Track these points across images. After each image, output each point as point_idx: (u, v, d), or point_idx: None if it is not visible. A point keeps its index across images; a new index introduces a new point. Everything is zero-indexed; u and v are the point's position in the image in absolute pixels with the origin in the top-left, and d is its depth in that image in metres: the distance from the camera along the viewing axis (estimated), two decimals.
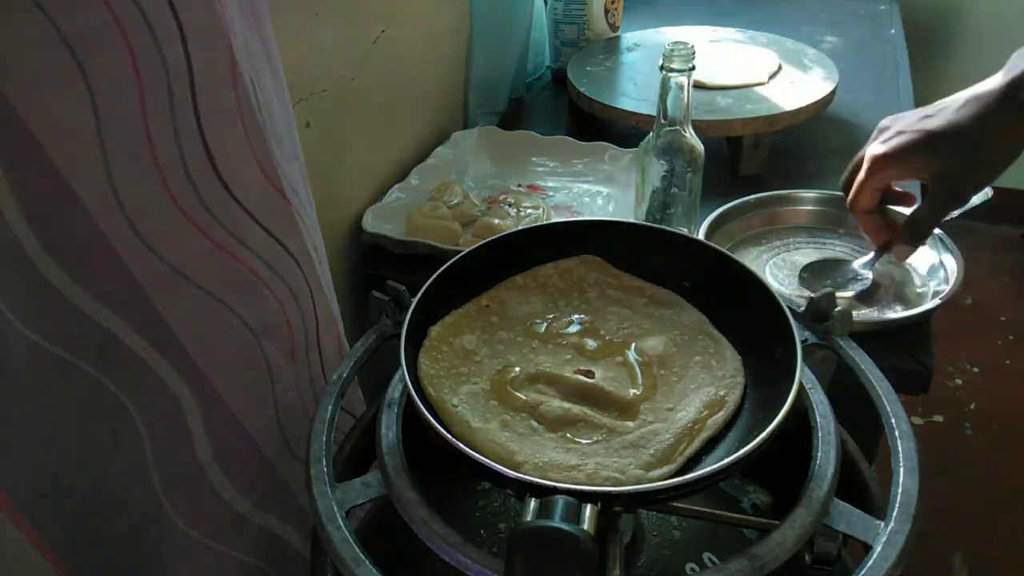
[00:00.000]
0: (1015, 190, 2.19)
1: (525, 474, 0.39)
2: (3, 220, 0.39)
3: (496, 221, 0.85)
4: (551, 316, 0.52)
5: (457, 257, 0.51)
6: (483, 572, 0.39)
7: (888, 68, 1.32)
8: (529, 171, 1.02)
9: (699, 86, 1.03)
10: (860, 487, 0.49)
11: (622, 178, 0.95)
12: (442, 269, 0.50)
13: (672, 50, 0.68)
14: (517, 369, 0.48)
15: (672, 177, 0.77)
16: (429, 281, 0.49)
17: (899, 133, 0.64)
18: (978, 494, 1.49)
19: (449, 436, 0.40)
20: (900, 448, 0.45)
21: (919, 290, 0.76)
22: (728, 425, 0.45)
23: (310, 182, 0.60)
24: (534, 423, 0.45)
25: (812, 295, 0.52)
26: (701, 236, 0.77)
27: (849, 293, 0.74)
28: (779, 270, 0.80)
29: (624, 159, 0.98)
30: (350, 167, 0.88)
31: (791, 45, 1.18)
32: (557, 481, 0.38)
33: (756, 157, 1.00)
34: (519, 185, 0.99)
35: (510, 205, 0.89)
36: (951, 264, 0.75)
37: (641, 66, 1.16)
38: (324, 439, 0.47)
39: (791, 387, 0.41)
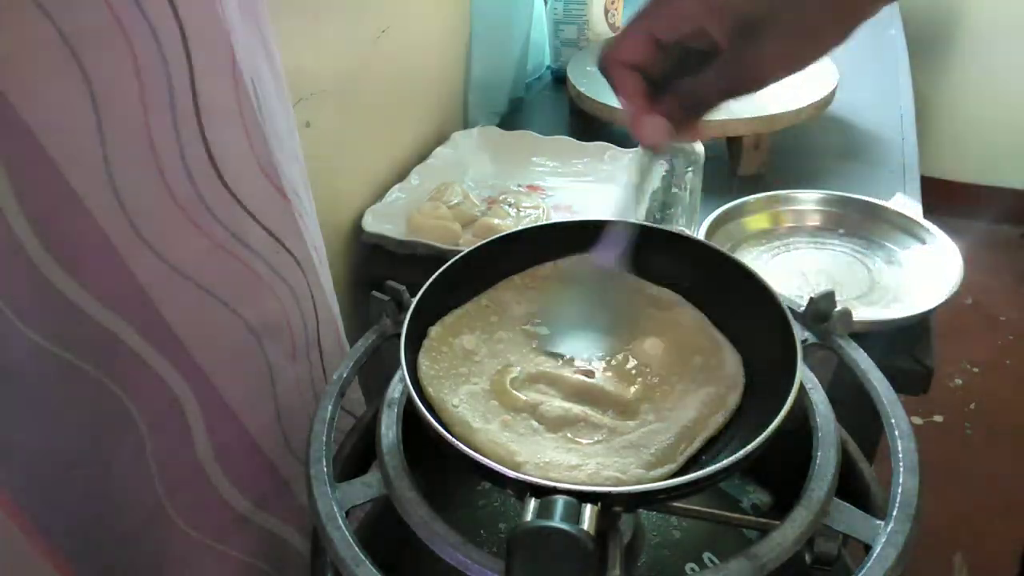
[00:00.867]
0: (1015, 190, 2.19)
1: (526, 474, 0.39)
2: (3, 220, 0.39)
3: (496, 221, 0.85)
4: (549, 317, 0.52)
5: (457, 257, 0.51)
6: (483, 572, 0.39)
7: (888, 68, 1.32)
8: (529, 171, 1.02)
9: None
10: (860, 487, 0.49)
11: (622, 178, 0.95)
12: (442, 269, 0.50)
13: None
14: (517, 369, 0.48)
15: (672, 177, 0.77)
16: (429, 281, 0.49)
17: None
18: (978, 494, 1.49)
19: (449, 436, 0.40)
20: (900, 448, 0.45)
21: (919, 290, 0.76)
22: (728, 425, 0.45)
23: (310, 182, 0.60)
24: (535, 423, 0.45)
25: (812, 295, 0.52)
26: (701, 236, 0.77)
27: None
28: (779, 270, 0.80)
29: (624, 159, 0.98)
30: (350, 167, 0.88)
31: None
32: (558, 481, 0.38)
33: (756, 157, 1.00)
34: (519, 185, 0.99)
35: (510, 205, 0.89)
36: (951, 264, 0.75)
37: None
38: (324, 439, 0.47)
39: (791, 387, 0.41)
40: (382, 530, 0.50)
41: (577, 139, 1.04)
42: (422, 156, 1.00)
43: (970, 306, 1.89)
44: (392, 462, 0.44)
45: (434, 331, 0.49)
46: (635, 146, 0.81)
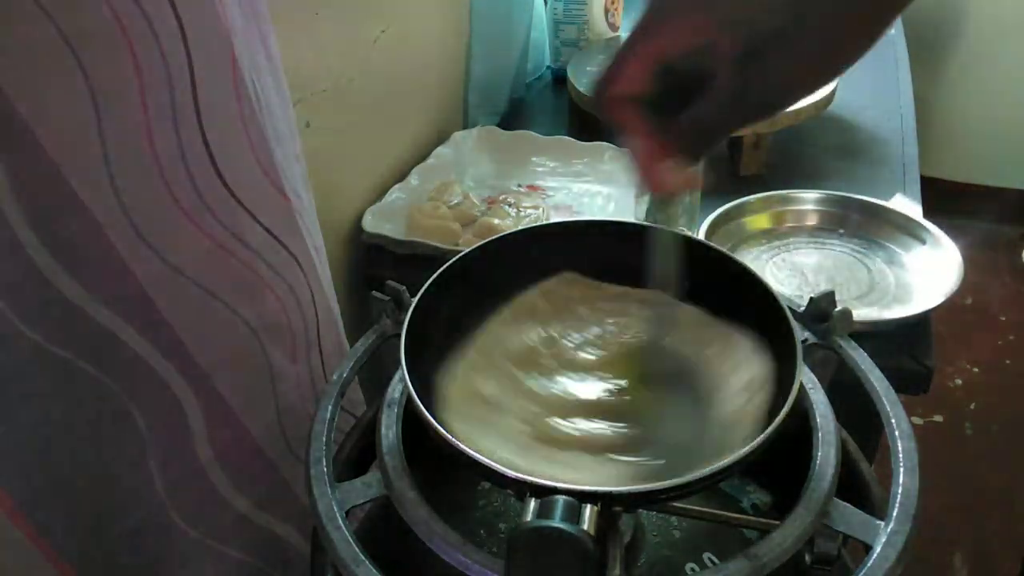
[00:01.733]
0: (1015, 190, 2.19)
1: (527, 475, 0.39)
2: (4, 220, 0.39)
3: (496, 221, 0.85)
4: (553, 344, 0.51)
5: (457, 257, 0.51)
6: (483, 572, 0.39)
7: (888, 68, 1.32)
8: (529, 171, 1.02)
9: None
10: (860, 487, 0.49)
11: (622, 178, 0.95)
12: (442, 269, 0.50)
13: None
14: (555, 420, 0.46)
15: None
16: (429, 281, 0.49)
17: None
18: (978, 494, 1.49)
19: (449, 436, 0.40)
20: (900, 448, 0.45)
21: (919, 290, 0.76)
22: None
23: (310, 182, 0.60)
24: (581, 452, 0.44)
25: (813, 295, 0.52)
26: (701, 236, 0.77)
27: None
28: (779, 270, 0.80)
29: (624, 159, 0.98)
30: (350, 167, 0.88)
31: None
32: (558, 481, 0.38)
33: (756, 157, 1.00)
34: (519, 185, 0.99)
35: (510, 205, 0.89)
36: (951, 264, 0.75)
37: None
38: (324, 439, 0.47)
39: (791, 387, 0.41)
40: (382, 530, 0.50)
41: (577, 139, 1.04)
42: (422, 156, 1.00)
43: (970, 306, 1.89)
44: (392, 462, 0.44)
45: (453, 388, 0.47)
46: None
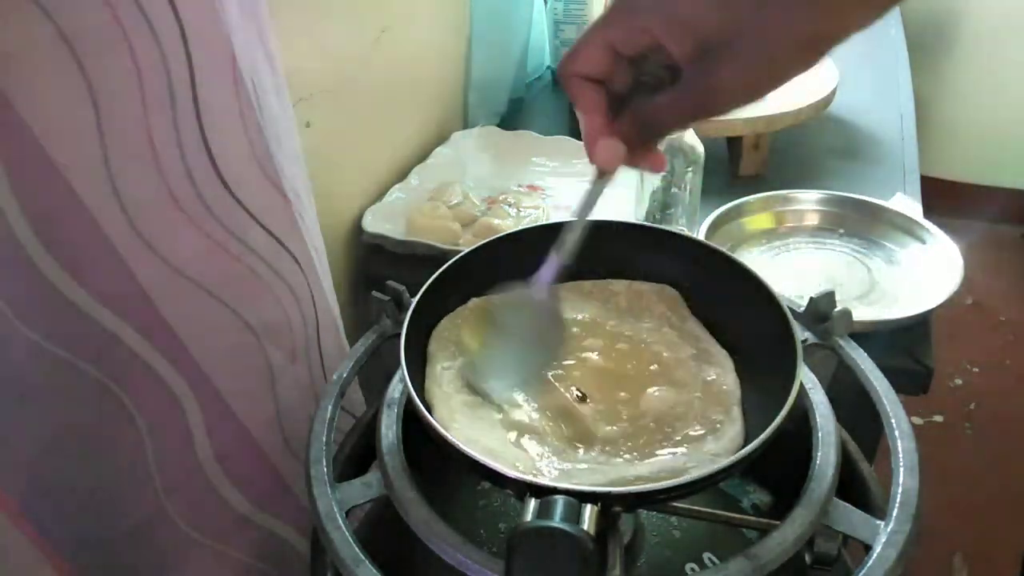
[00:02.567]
0: (1015, 190, 2.19)
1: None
2: (4, 220, 0.39)
3: (496, 221, 0.85)
4: (592, 330, 0.51)
5: (457, 257, 0.51)
6: (483, 572, 0.39)
7: (888, 68, 1.32)
8: (529, 171, 1.02)
9: None
10: (860, 487, 0.49)
11: (622, 178, 0.95)
12: (442, 269, 0.50)
13: None
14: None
15: (672, 177, 0.77)
16: (429, 281, 0.49)
17: None
18: (978, 494, 1.49)
19: (449, 436, 0.40)
20: (900, 448, 0.45)
21: (919, 290, 0.76)
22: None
23: (310, 182, 0.60)
24: (495, 414, 0.45)
25: (813, 295, 0.52)
26: (701, 236, 0.77)
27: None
28: (779, 270, 0.80)
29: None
30: (350, 167, 0.88)
31: None
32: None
33: (756, 157, 1.00)
34: (519, 185, 0.99)
35: (510, 205, 0.89)
36: (951, 264, 0.75)
37: None
38: (324, 439, 0.47)
39: (791, 387, 0.41)
40: (382, 530, 0.50)
41: (577, 139, 1.04)
42: (422, 156, 1.00)
43: (970, 306, 1.89)
44: (392, 462, 0.44)
45: (474, 301, 0.50)
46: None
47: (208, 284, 0.50)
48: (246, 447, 0.58)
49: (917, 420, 1.63)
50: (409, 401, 0.46)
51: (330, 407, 0.50)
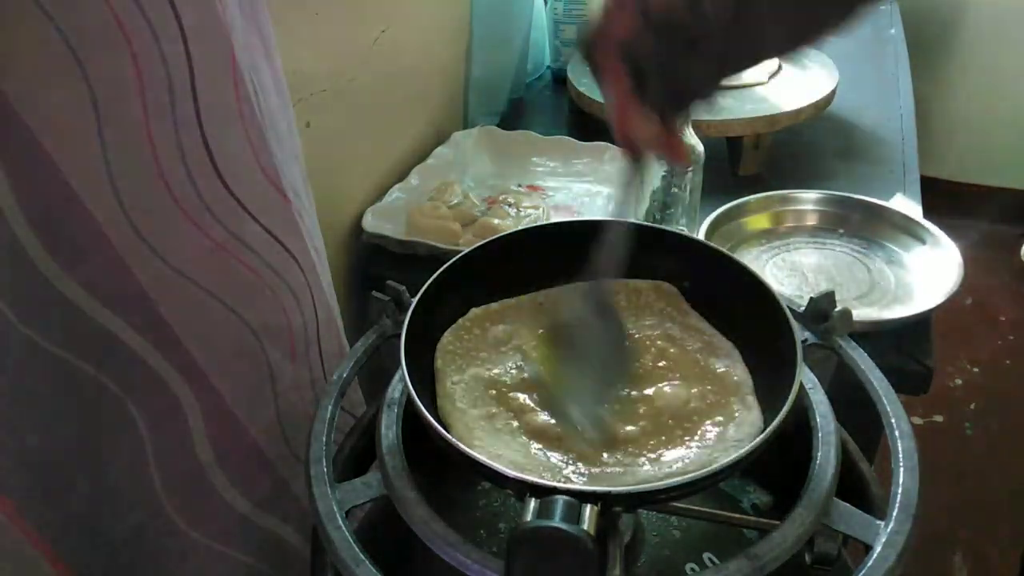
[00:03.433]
0: (1015, 190, 2.19)
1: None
2: (3, 220, 0.39)
3: (496, 221, 0.85)
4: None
5: (457, 257, 0.51)
6: (483, 572, 0.39)
7: (888, 68, 1.32)
8: (529, 171, 1.02)
9: None
10: (860, 487, 0.49)
11: (622, 179, 0.95)
12: (442, 269, 0.50)
13: None
14: (528, 369, 0.48)
15: (672, 177, 0.77)
16: (429, 281, 0.49)
17: None
18: (978, 494, 1.49)
19: (449, 436, 0.40)
20: (900, 448, 0.45)
21: (919, 290, 0.76)
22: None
23: (310, 182, 0.60)
24: (515, 423, 0.45)
25: (813, 295, 0.52)
26: (701, 236, 0.77)
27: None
28: (779, 270, 0.80)
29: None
30: (350, 167, 0.88)
31: None
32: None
33: (756, 157, 1.00)
34: (519, 185, 0.99)
35: (510, 205, 0.89)
36: (951, 264, 0.75)
37: None
38: (324, 439, 0.47)
39: (791, 387, 0.41)
40: (382, 530, 0.50)
41: (577, 139, 1.04)
42: (422, 156, 1.00)
43: (970, 306, 1.89)
44: (392, 462, 0.44)
45: (475, 312, 0.50)
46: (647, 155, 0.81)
47: (208, 284, 0.50)
48: (246, 447, 0.58)
49: (917, 420, 1.63)
50: (409, 401, 0.46)
51: (330, 407, 0.50)
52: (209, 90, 0.45)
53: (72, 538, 0.47)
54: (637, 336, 0.51)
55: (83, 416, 0.46)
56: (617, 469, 0.43)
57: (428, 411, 0.42)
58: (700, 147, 0.76)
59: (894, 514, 0.42)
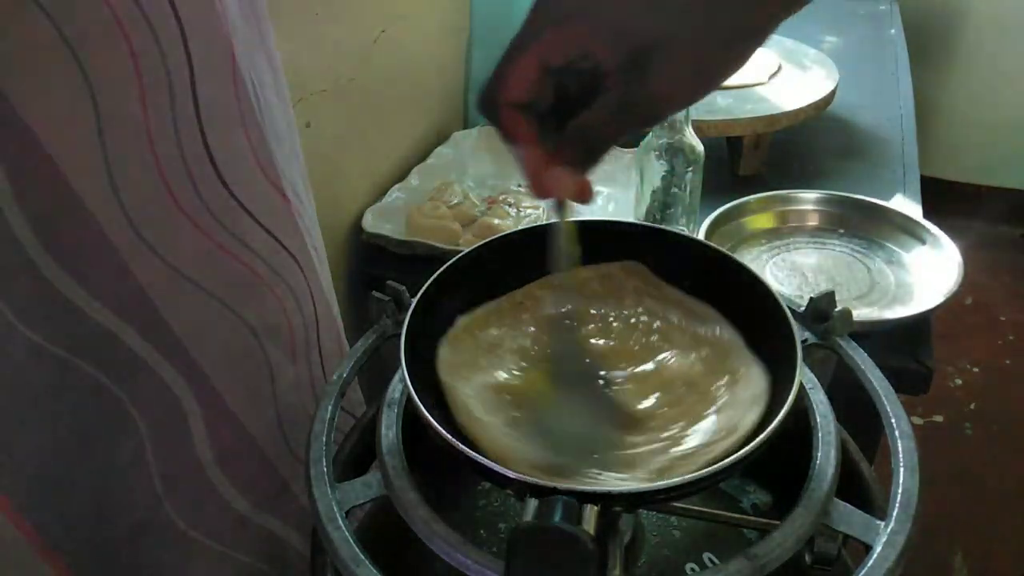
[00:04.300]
0: (1015, 190, 2.19)
1: (518, 473, 0.39)
2: (4, 220, 0.39)
3: (496, 221, 0.85)
4: (582, 319, 0.51)
5: (457, 257, 0.51)
6: (483, 572, 0.39)
7: (888, 68, 1.32)
8: None
9: None
10: (860, 487, 0.49)
11: (622, 178, 0.95)
12: (442, 269, 0.50)
13: None
14: (532, 367, 0.48)
15: (672, 177, 0.77)
16: (429, 281, 0.49)
17: None
18: (978, 494, 1.49)
19: (449, 436, 0.40)
20: (900, 448, 0.45)
21: (919, 290, 0.76)
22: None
23: (310, 182, 0.60)
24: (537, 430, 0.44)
25: (812, 295, 0.52)
26: (701, 236, 0.77)
27: None
28: (779, 270, 0.80)
29: (624, 159, 0.98)
30: (350, 167, 0.88)
31: (791, 45, 1.18)
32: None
33: (756, 157, 1.00)
34: (519, 185, 0.99)
35: (510, 205, 0.89)
36: (951, 264, 0.75)
37: None
38: (324, 439, 0.47)
39: (791, 387, 0.41)
40: (382, 530, 0.50)
41: None
42: (422, 156, 1.00)
43: (970, 306, 1.89)
44: (392, 462, 0.44)
45: (462, 321, 0.49)
46: (635, 145, 0.82)
47: (208, 284, 0.50)
48: (246, 447, 0.58)
49: (917, 420, 1.63)
50: (409, 401, 0.46)
51: (330, 407, 0.50)
52: (209, 90, 0.45)
53: (72, 538, 0.47)
54: (621, 315, 0.51)
55: (83, 416, 0.46)
56: (651, 447, 0.42)
57: (428, 411, 0.42)
58: (700, 147, 0.76)
59: (894, 514, 0.42)
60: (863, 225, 0.84)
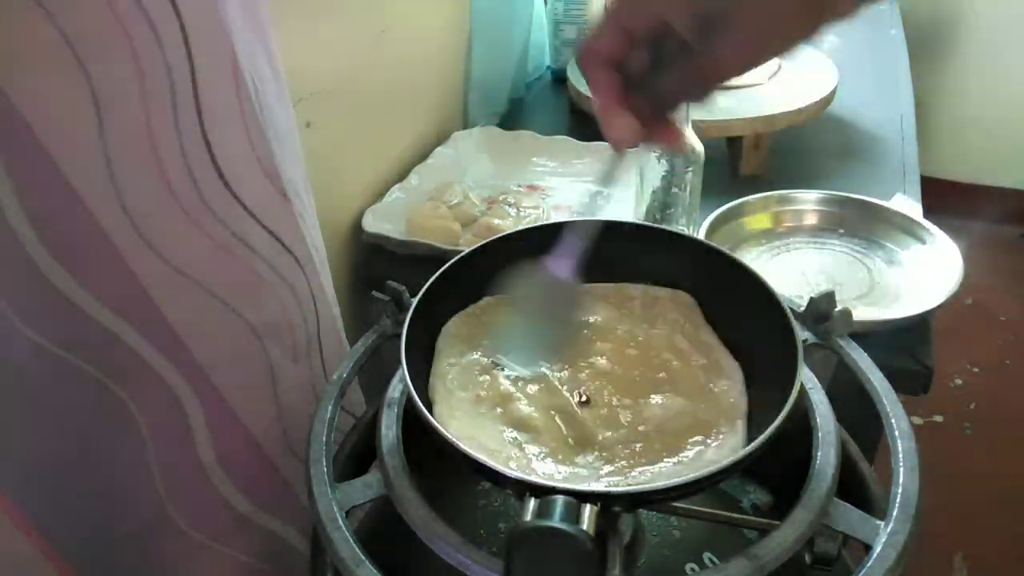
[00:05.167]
0: (1015, 190, 2.19)
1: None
2: (5, 220, 0.39)
3: (496, 221, 0.85)
4: (604, 334, 0.51)
5: (457, 257, 0.51)
6: (483, 572, 0.39)
7: (888, 68, 1.32)
8: (529, 171, 1.02)
9: None
10: (860, 487, 0.49)
11: (622, 178, 0.95)
12: (442, 269, 0.50)
13: None
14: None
15: (672, 177, 0.77)
16: (429, 281, 0.49)
17: None
18: (978, 494, 1.48)
19: (449, 436, 0.40)
20: (900, 448, 0.45)
21: (919, 290, 0.76)
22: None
23: (310, 182, 0.60)
24: (498, 410, 0.46)
25: (813, 295, 0.52)
26: (701, 236, 0.77)
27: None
28: (779, 270, 0.80)
29: (624, 159, 0.98)
30: (350, 167, 0.88)
31: None
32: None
33: (756, 157, 1.00)
34: (519, 185, 0.99)
35: (510, 205, 0.89)
36: (951, 264, 0.75)
37: None
38: (324, 439, 0.48)
39: (791, 387, 0.41)
40: (382, 530, 0.50)
41: (577, 139, 1.04)
42: (422, 156, 1.00)
43: (970, 306, 1.89)
44: (392, 462, 0.44)
45: (487, 300, 0.51)
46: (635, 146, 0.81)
47: (209, 284, 0.50)
48: (247, 447, 0.58)
49: (917, 420, 1.63)
50: (409, 401, 0.46)
51: (330, 407, 0.50)
52: (210, 90, 0.45)
53: (73, 538, 0.47)
54: (644, 342, 0.50)
55: (84, 416, 0.46)
56: (583, 471, 0.42)
57: (429, 411, 0.42)
58: (700, 147, 0.76)
59: (894, 514, 0.42)
60: (863, 225, 0.84)
